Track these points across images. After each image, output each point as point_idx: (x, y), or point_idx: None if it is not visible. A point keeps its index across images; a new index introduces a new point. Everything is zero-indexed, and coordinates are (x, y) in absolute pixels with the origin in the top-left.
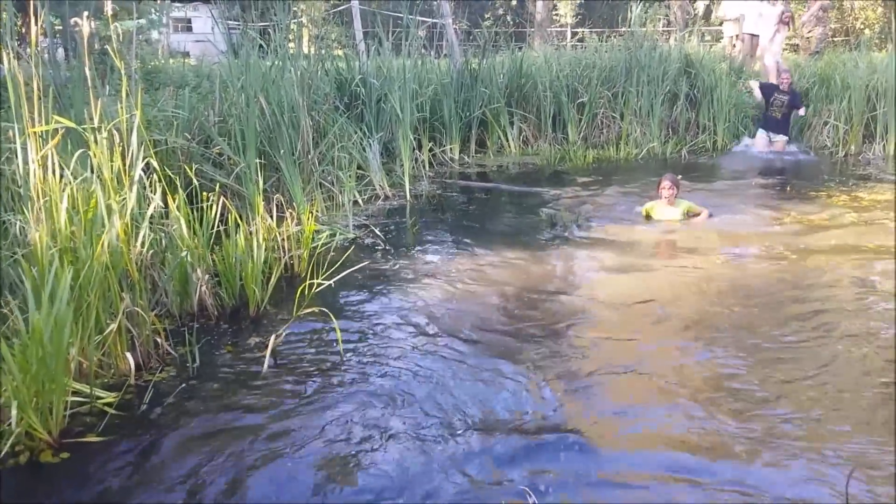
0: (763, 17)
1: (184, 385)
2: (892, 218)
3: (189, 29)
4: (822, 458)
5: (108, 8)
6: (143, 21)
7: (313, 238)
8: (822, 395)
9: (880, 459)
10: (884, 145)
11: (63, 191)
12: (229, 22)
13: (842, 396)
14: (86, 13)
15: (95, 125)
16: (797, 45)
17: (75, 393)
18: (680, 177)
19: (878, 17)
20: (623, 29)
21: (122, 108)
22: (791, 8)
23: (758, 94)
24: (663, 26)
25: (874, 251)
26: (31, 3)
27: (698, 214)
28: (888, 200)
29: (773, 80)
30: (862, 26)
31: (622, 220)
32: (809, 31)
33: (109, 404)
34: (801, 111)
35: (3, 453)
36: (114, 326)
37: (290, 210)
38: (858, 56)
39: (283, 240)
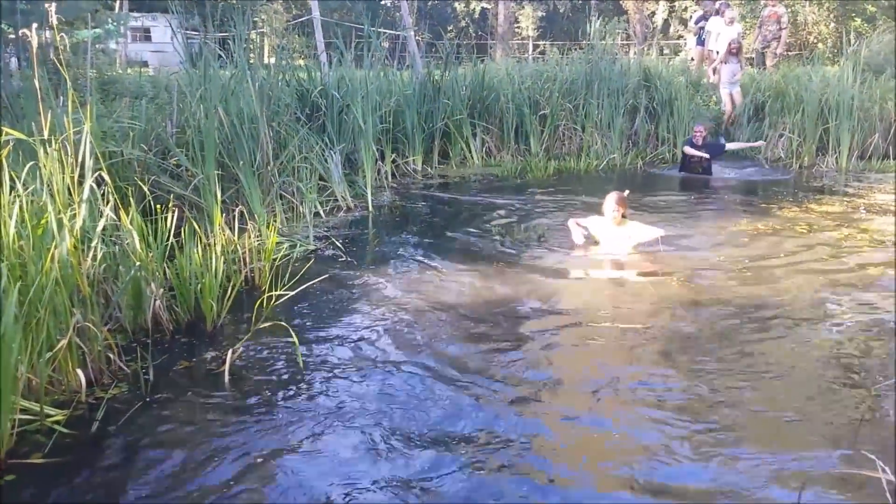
0: (721, 37)
1: (137, 402)
2: (840, 232)
3: (148, 38)
4: (775, 470)
5: (53, 18)
6: (99, 31)
7: (274, 250)
8: (776, 405)
9: (836, 471)
10: (836, 158)
11: (12, 204)
12: (188, 32)
13: (798, 405)
14: (35, 24)
15: (45, 137)
16: (752, 59)
17: (23, 411)
18: (627, 192)
19: (830, 31)
20: (583, 42)
21: (68, 119)
22: (740, 37)
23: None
24: (622, 40)
25: (825, 264)
26: None
27: (645, 235)
28: (838, 213)
29: (727, 108)
30: (815, 41)
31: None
32: (765, 47)
33: (59, 422)
34: (732, 146)
35: None
36: (64, 342)
37: (251, 222)
38: (812, 70)
39: (243, 252)
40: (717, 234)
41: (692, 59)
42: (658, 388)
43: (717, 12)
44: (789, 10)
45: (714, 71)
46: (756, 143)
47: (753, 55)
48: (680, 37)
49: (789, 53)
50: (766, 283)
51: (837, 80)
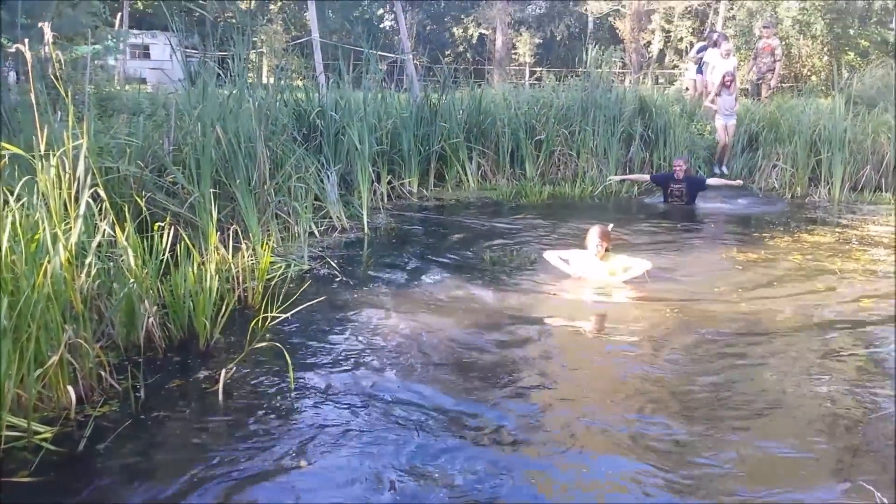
0: (716, 70)
1: (128, 420)
2: (834, 263)
3: (147, 55)
4: None
5: (48, 35)
6: (98, 47)
7: (268, 270)
8: (771, 437)
9: (834, 503)
10: (829, 189)
11: (6, 218)
12: (188, 50)
13: (793, 437)
14: (27, 40)
15: (42, 152)
16: (747, 89)
17: (11, 427)
18: (611, 226)
19: (823, 64)
20: (580, 70)
21: (68, 134)
22: (735, 69)
23: (635, 180)
24: (619, 68)
25: (817, 295)
26: None
27: (631, 269)
28: (831, 244)
29: (721, 139)
30: (808, 73)
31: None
32: (759, 79)
33: (47, 439)
34: (713, 181)
35: None
36: (55, 358)
37: (245, 241)
38: (805, 102)
39: (237, 271)
40: (709, 263)
41: (687, 89)
42: (651, 422)
43: (715, 44)
44: (783, 42)
45: (713, 101)
46: (734, 182)
47: (748, 87)
48: (675, 66)
49: (783, 85)
50: (757, 314)
51: (830, 112)
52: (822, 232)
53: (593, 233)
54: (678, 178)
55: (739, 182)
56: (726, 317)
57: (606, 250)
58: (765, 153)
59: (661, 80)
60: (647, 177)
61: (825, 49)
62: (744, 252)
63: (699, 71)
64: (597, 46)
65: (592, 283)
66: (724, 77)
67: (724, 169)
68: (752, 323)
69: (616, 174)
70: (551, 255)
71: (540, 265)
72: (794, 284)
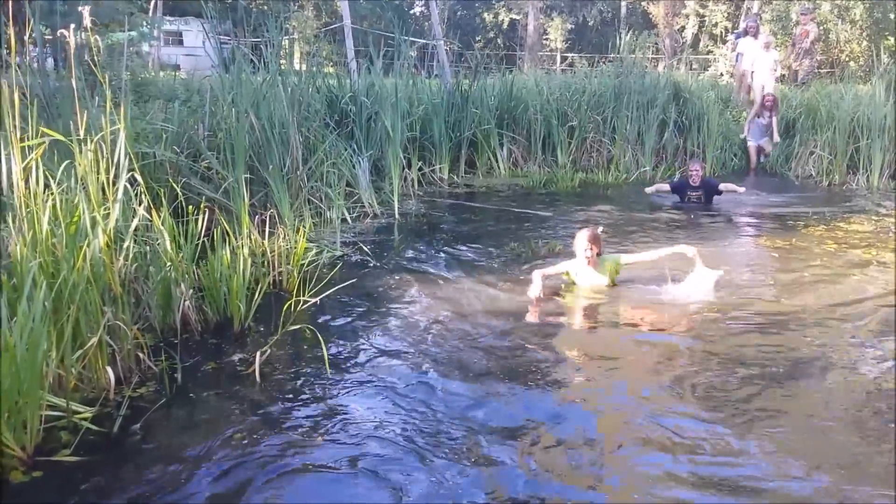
0: (757, 63)
1: (164, 401)
2: (869, 252)
3: (180, 42)
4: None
5: (87, 20)
6: (133, 33)
7: (302, 255)
8: (808, 446)
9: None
10: (867, 177)
11: (46, 202)
12: (221, 36)
13: (834, 444)
14: (72, 25)
15: (81, 137)
16: (784, 75)
17: (52, 407)
18: (602, 229)
19: (862, 50)
20: (612, 55)
21: (106, 120)
22: (777, 65)
23: (651, 190)
24: (652, 54)
25: (852, 284)
26: (12, 8)
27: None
28: (868, 232)
29: (753, 161)
30: (847, 59)
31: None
32: (798, 64)
33: (86, 419)
34: (724, 186)
35: None
36: (94, 340)
37: (281, 227)
38: (844, 88)
39: (271, 255)
40: (741, 252)
41: (721, 74)
42: (677, 428)
43: (746, 32)
44: (821, 27)
45: (749, 91)
46: (740, 189)
47: (785, 72)
48: (710, 52)
49: (821, 71)
50: (791, 302)
51: (870, 98)
52: (860, 220)
53: (581, 237)
54: (695, 183)
55: (743, 189)
56: (759, 305)
57: (598, 255)
58: (802, 140)
59: (694, 66)
60: (667, 186)
61: (864, 34)
62: (777, 240)
63: (738, 60)
64: (630, 31)
65: (586, 290)
66: (764, 98)
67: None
68: (785, 311)
69: (651, 160)
70: (536, 275)
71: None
72: (828, 273)
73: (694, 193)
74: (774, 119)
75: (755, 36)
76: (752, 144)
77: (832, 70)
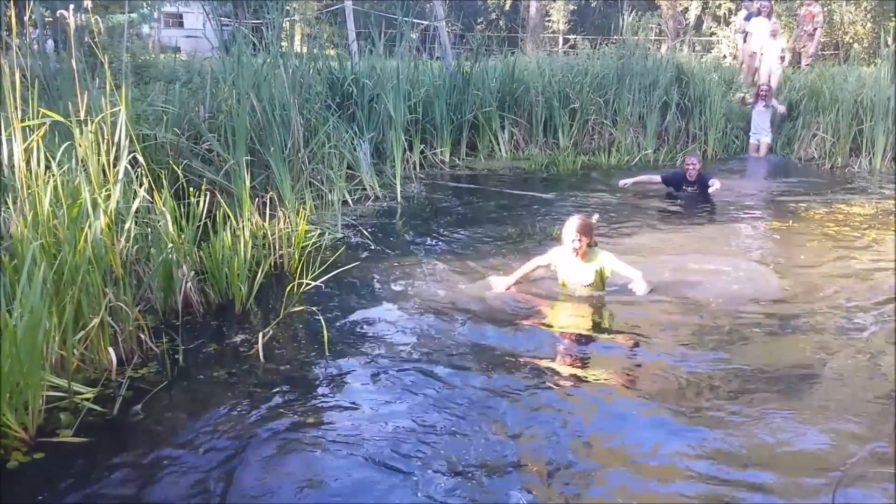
0: (765, 48)
1: (166, 382)
2: (868, 235)
3: (180, 24)
4: (810, 466)
5: (87, 2)
6: (134, 15)
7: (303, 237)
8: (814, 407)
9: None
10: (870, 159)
11: (47, 183)
12: (221, 18)
13: (836, 404)
14: (71, 6)
15: (82, 118)
16: (783, 57)
17: (54, 388)
18: (596, 217)
19: (866, 32)
20: (615, 37)
21: (106, 101)
22: (783, 52)
23: (647, 183)
24: (655, 35)
25: (853, 266)
26: None
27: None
28: (870, 215)
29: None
30: (851, 41)
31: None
32: (802, 46)
33: (88, 399)
34: (717, 185)
35: None
36: (96, 321)
37: (282, 209)
38: (847, 70)
39: (273, 237)
40: (743, 234)
41: (725, 56)
42: (693, 402)
43: (759, 12)
44: (825, 9)
45: (755, 73)
46: (717, 184)
47: (789, 54)
48: (713, 33)
49: (824, 53)
50: (790, 285)
51: (873, 80)
52: (860, 202)
53: (570, 225)
54: (691, 179)
55: (719, 185)
56: (758, 286)
57: (589, 246)
58: (805, 122)
59: (697, 48)
60: (658, 178)
61: (868, 16)
62: (778, 222)
63: (745, 40)
64: (633, 13)
65: (570, 287)
66: (759, 88)
67: None
68: (785, 294)
69: (653, 143)
70: (509, 279)
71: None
72: (826, 255)
73: (690, 189)
74: (775, 102)
75: (769, 16)
76: (752, 142)
77: (836, 52)
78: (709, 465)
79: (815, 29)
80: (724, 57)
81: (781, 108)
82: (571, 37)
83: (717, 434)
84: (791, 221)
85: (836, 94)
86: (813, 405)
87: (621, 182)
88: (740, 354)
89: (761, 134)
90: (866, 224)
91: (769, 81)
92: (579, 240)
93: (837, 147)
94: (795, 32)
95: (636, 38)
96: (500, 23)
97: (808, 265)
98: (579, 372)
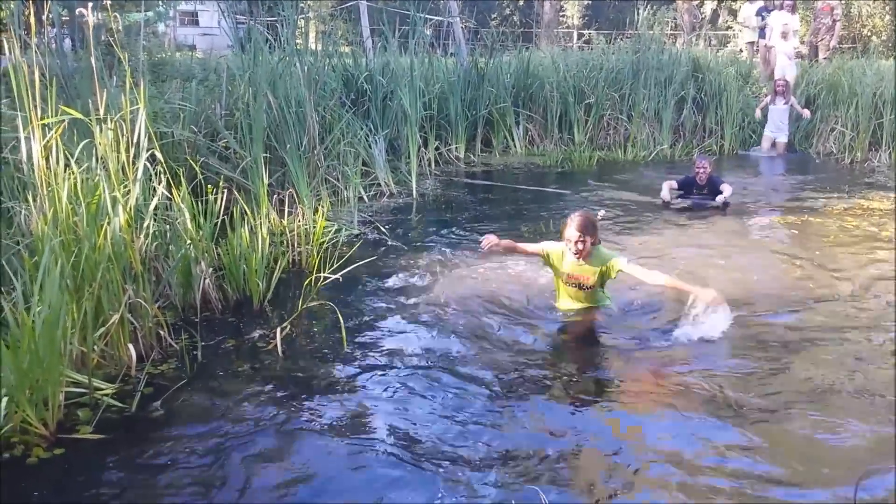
0: (778, 48)
1: (185, 378)
2: (888, 230)
3: (196, 22)
4: (832, 465)
5: (106, 0)
6: (150, 14)
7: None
8: (832, 402)
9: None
10: (889, 153)
11: (66, 180)
12: (237, 16)
13: (849, 399)
14: (90, 4)
15: (101, 116)
16: (799, 52)
17: (74, 384)
18: (601, 214)
19: (885, 24)
20: (630, 31)
21: (126, 99)
22: (795, 52)
23: (666, 195)
24: (671, 29)
25: (872, 262)
26: None
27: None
28: (886, 210)
29: (764, 150)
30: (869, 34)
31: (630, 231)
32: (821, 39)
33: (108, 395)
34: (727, 192)
35: None
36: (116, 317)
37: (300, 206)
38: (866, 63)
39: (291, 234)
40: (760, 229)
41: (741, 50)
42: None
43: (781, 7)
44: (843, 2)
45: (767, 64)
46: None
47: (807, 48)
48: (729, 27)
49: (842, 46)
50: (807, 281)
51: (893, 73)
52: (879, 198)
53: (572, 223)
54: (701, 182)
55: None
56: (777, 283)
57: (593, 244)
58: (823, 116)
59: (713, 42)
60: (675, 183)
61: (887, 9)
62: (796, 217)
63: (762, 35)
64: (648, 7)
65: (570, 289)
66: (775, 83)
67: None
68: (802, 290)
69: (669, 138)
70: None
71: None
72: (845, 251)
73: (701, 192)
74: (793, 100)
75: (792, 11)
76: (768, 135)
77: (854, 45)
78: (735, 461)
79: (835, 22)
80: (741, 51)
81: (806, 112)
82: (586, 32)
83: (739, 431)
84: (808, 217)
85: (855, 87)
86: (835, 403)
87: (663, 195)
88: (759, 352)
89: (778, 131)
90: (886, 219)
91: (785, 76)
92: (583, 240)
93: (856, 141)
94: (813, 26)
95: (651, 32)
96: (515, 18)
97: (827, 262)
98: (597, 374)
